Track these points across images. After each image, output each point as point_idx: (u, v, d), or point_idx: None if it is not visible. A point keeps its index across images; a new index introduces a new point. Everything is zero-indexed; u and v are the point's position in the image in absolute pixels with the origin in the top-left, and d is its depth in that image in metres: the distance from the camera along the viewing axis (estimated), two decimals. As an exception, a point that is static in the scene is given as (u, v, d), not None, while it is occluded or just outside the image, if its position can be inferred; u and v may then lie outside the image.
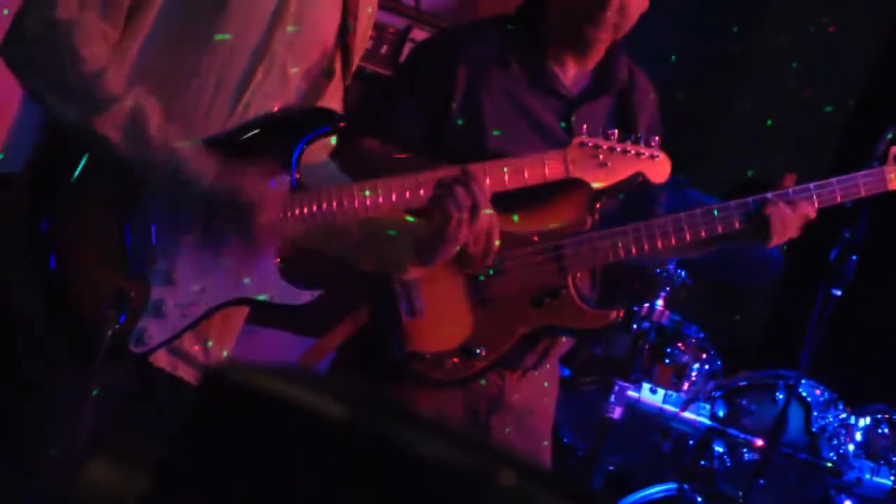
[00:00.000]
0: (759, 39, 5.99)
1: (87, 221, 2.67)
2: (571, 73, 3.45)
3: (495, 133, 3.30)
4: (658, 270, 4.39)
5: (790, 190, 3.44)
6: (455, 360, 3.33)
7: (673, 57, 5.50)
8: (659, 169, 3.14)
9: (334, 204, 2.80)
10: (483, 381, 3.41)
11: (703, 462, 4.71)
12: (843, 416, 4.72)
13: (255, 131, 2.77)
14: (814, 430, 4.70)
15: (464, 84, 3.33)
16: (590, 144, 3.03)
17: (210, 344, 2.85)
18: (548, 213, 3.37)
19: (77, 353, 2.65)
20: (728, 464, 4.70)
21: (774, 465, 4.47)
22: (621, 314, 3.45)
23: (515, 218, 3.33)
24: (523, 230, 3.34)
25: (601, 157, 3.04)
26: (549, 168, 3.02)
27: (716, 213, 3.40)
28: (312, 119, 2.85)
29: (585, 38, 3.39)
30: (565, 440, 4.76)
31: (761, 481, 4.40)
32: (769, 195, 3.42)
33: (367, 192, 2.82)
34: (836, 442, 4.70)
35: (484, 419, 3.45)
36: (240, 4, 2.73)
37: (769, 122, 5.64)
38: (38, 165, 2.71)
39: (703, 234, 3.39)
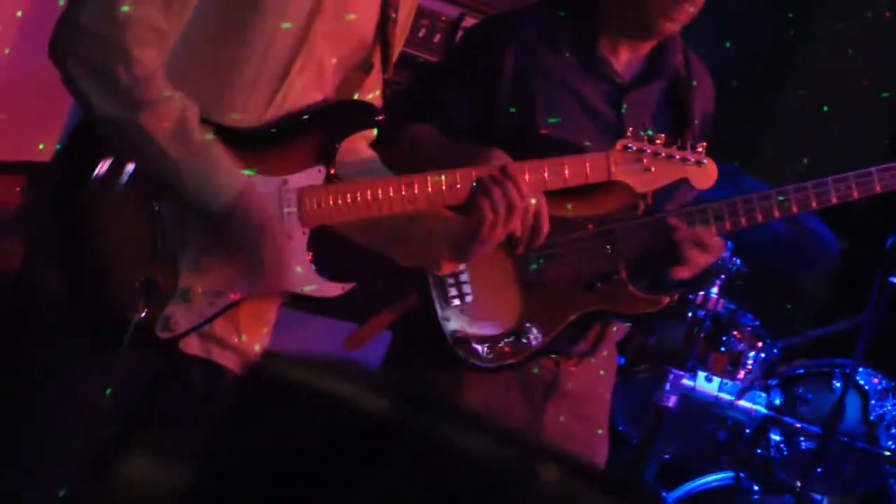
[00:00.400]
0: (815, 26, 5.95)
1: (118, 207, 2.67)
2: (624, 59, 3.43)
3: (551, 120, 3.29)
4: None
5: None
6: (505, 344, 3.33)
7: (728, 43, 5.47)
8: (704, 175, 3.09)
9: (369, 196, 2.78)
10: (535, 370, 3.41)
11: (759, 451, 4.68)
12: (902, 404, 4.68)
13: (292, 125, 2.77)
14: (872, 418, 4.66)
15: (512, 69, 3.32)
16: (633, 148, 2.99)
17: (244, 338, 2.85)
18: (600, 198, 3.35)
19: (104, 338, 2.65)
20: (785, 452, 4.67)
21: (832, 454, 4.44)
22: (674, 298, 3.43)
23: (569, 207, 3.32)
24: (575, 214, 3.33)
25: (645, 161, 2.99)
26: (591, 171, 2.98)
27: (773, 196, 3.37)
28: (349, 113, 2.85)
29: (655, 30, 3.37)
30: (620, 428, 4.74)
31: (819, 470, 4.37)
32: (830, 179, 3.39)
33: (404, 187, 2.81)
34: (894, 430, 4.67)
35: (539, 406, 3.45)
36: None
37: (825, 108, 5.60)
38: (71, 151, 2.71)
39: (760, 218, 3.37)
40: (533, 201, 3.10)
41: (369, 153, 2.96)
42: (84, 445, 2.71)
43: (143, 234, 2.68)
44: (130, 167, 2.67)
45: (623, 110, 3.39)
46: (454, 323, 3.30)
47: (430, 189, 2.82)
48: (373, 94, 2.92)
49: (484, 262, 3.26)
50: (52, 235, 2.67)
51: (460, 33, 4.63)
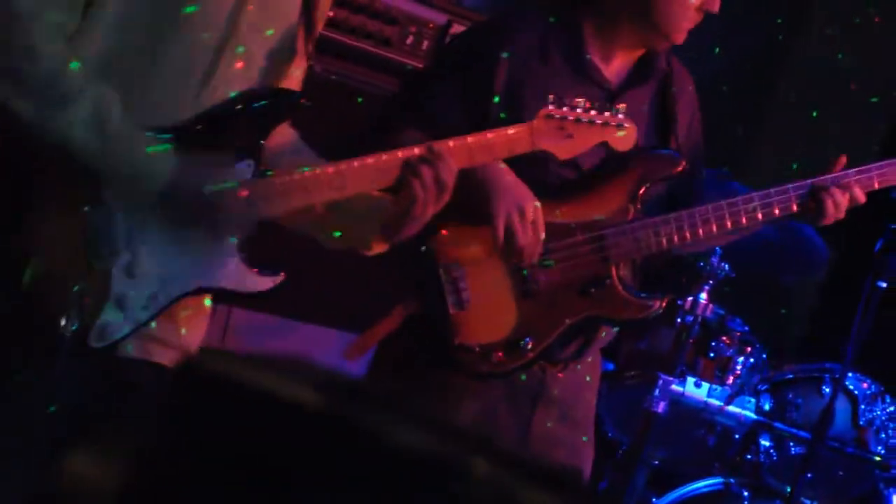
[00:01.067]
0: (805, 30, 5.95)
1: (45, 214, 2.63)
2: (615, 65, 3.45)
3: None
4: (701, 264, 4.35)
5: (839, 174, 3.47)
6: (502, 352, 3.34)
7: (717, 49, 5.47)
8: (625, 139, 3.12)
9: (299, 187, 2.77)
10: (523, 376, 3.41)
11: (749, 456, 4.68)
12: (891, 408, 4.68)
13: (216, 121, 2.74)
14: (861, 423, 4.66)
15: (505, 76, 3.32)
16: (556, 117, 3.00)
17: (184, 332, 2.84)
18: (591, 204, 3.38)
19: (38, 352, 2.62)
20: (775, 458, 4.67)
21: (822, 459, 4.43)
22: (664, 304, 3.44)
23: (558, 212, 3.33)
24: (566, 220, 3.34)
25: (567, 128, 3.01)
26: (515, 142, 2.99)
27: (756, 199, 3.45)
28: (273, 102, 2.81)
29: (667, 39, 3.40)
30: (609, 435, 4.74)
31: (809, 475, 4.36)
32: (818, 179, 3.46)
33: (333, 173, 2.79)
34: (884, 435, 4.67)
35: (527, 413, 3.46)
36: None
37: (815, 114, 5.60)
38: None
39: (745, 221, 3.43)
40: (530, 208, 3.13)
41: (291, 135, 2.95)
42: (27, 459, 2.68)
43: (73, 243, 2.64)
44: (58, 172, 2.62)
45: None
46: (452, 329, 3.31)
47: (359, 173, 2.81)
48: (293, 80, 2.89)
49: (480, 270, 3.31)
50: None
51: (448, 40, 4.63)
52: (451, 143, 2.88)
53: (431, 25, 4.70)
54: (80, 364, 2.66)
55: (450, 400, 3.39)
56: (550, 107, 2.99)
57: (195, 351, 2.87)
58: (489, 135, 2.94)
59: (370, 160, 2.81)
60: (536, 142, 2.98)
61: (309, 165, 2.82)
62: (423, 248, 3.30)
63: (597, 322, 3.44)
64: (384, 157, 2.83)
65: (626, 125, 3.09)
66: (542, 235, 3.21)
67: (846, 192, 3.46)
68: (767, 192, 3.46)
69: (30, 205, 2.62)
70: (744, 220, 3.43)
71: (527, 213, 3.22)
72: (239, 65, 2.76)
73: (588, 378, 3.57)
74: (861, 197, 3.47)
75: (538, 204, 3.23)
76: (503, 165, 3.25)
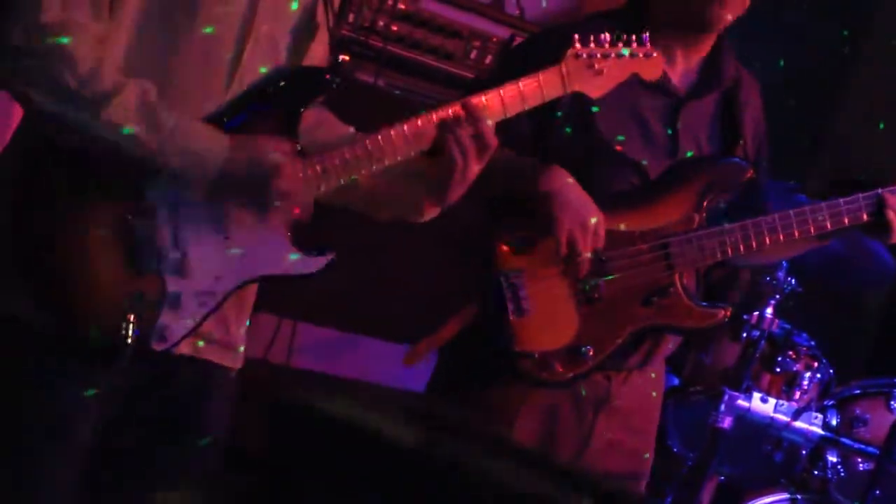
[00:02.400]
0: (870, 43, 5.90)
1: (89, 223, 2.62)
2: (679, 69, 3.45)
3: (619, 138, 3.28)
4: (767, 278, 4.33)
5: None
6: (563, 359, 3.33)
7: (781, 62, 5.43)
8: (653, 66, 3.09)
9: (338, 162, 2.75)
10: (583, 391, 3.40)
11: (816, 472, 4.63)
12: (961, 424, 4.61)
13: (248, 104, 2.74)
14: (930, 438, 4.59)
15: None
16: (584, 55, 2.96)
17: (231, 330, 2.85)
18: (656, 212, 3.38)
19: (101, 361, 2.62)
20: (842, 474, 4.62)
21: (890, 476, 4.38)
22: (727, 314, 3.42)
23: (622, 226, 3.33)
24: (631, 229, 3.34)
25: (596, 65, 2.97)
26: (546, 86, 2.93)
27: (825, 208, 3.43)
28: (303, 82, 2.81)
29: (708, 20, 3.38)
30: (675, 450, 4.70)
31: (877, 492, 4.31)
32: (881, 191, 3.44)
33: (370, 144, 2.77)
34: (953, 451, 4.60)
35: (591, 421, 3.45)
36: None
37: (881, 125, 5.55)
38: (26, 170, 2.65)
39: (813, 231, 3.41)
40: (593, 220, 3.13)
41: (322, 113, 2.93)
42: (73, 470, 2.71)
43: (120, 249, 2.64)
44: (97, 180, 2.62)
45: (678, 126, 3.41)
46: (513, 336, 3.30)
47: (396, 140, 2.78)
48: (318, 56, 2.88)
49: (541, 279, 3.30)
50: (19, 265, 2.63)
51: (508, 49, 4.63)
52: (483, 97, 2.84)
53: (495, 39, 4.70)
54: (140, 366, 2.67)
55: (512, 407, 3.39)
56: (577, 45, 2.96)
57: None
58: (521, 83, 2.90)
59: (406, 126, 2.78)
60: (568, 83, 2.95)
61: (345, 140, 2.81)
62: (484, 256, 3.30)
63: (660, 331, 3.43)
64: (419, 121, 2.80)
65: (653, 53, 3.07)
66: (601, 245, 3.23)
67: None
68: (836, 201, 3.44)
69: (74, 214, 2.62)
70: (812, 230, 3.41)
71: (589, 226, 3.23)
72: (262, 51, 2.76)
73: (654, 393, 3.56)
74: None
75: (595, 219, 3.24)
76: (569, 177, 3.26)
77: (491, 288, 3.29)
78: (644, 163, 3.39)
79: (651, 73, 3.08)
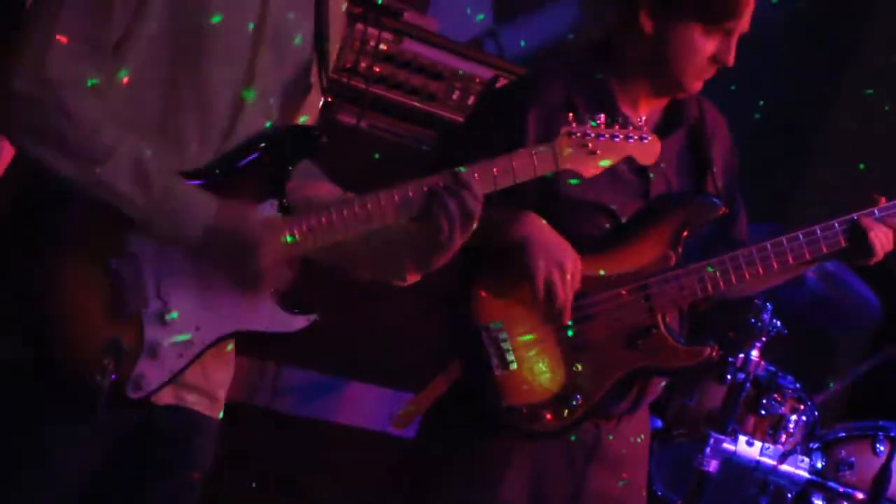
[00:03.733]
0: (848, 81, 5.92)
1: (72, 267, 2.62)
2: (643, 113, 3.42)
3: (571, 182, 3.27)
4: (752, 320, 4.31)
5: (877, 210, 3.46)
6: (552, 409, 3.30)
7: (761, 101, 5.44)
8: (648, 150, 3.05)
9: (324, 222, 2.74)
10: (573, 436, 3.37)
11: (801, 516, 4.61)
12: (949, 467, 4.59)
13: (236, 163, 2.74)
14: (918, 482, 4.58)
15: (534, 133, 3.30)
16: (577, 134, 2.93)
17: (210, 379, 2.83)
18: (632, 253, 3.36)
19: (74, 405, 2.59)
20: (828, 518, 4.60)
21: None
22: (714, 352, 3.40)
23: (602, 272, 3.31)
24: (608, 273, 3.33)
25: (590, 144, 2.94)
26: (539, 163, 2.90)
27: (801, 237, 3.41)
28: (294, 141, 2.81)
29: (686, 90, 3.40)
30: (659, 493, 4.68)
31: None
32: (856, 215, 3.43)
33: (357, 207, 2.76)
34: (942, 494, 4.58)
35: (581, 471, 3.42)
36: (222, 34, 2.70)
37: (861, 167, 5.55)
38: (15, 210, 2.65)
39: (791, 260, 3.41)
40: (569, 263, 3.13)
41: (311, 170, 2.92)
42: None
43: (101, 294, 2.63)
44: (83, 225, 2.62)
45: (648, 167, 3.38)
46: (500, 391, 3.27)
47: (383, 205, 2.77)
48: (311, 114, 2.90)
49: (523, 326, 3.27)
50: (5, 307, 2.62)
51: (479, 100, 4.61)
52: (474, 169, 2.83)
53: (478, 80, 4.68)
54: (117, 413, 2.65)
55: (499, 461, 3.36)
56: (572, 124, 2.94)
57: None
58: (513, 159, 2.88)
59: (395, 192, 2.78)
60: (561, 162, 2.92)
61: (333, 201, 2.80)
62: (461, 311, 3.28)
63: (648, 373, 3.40)
64: (409, 188, 2.79)
65: (647, 137, 3.03)
66: (577, 288, 3.20)
67: (890, 227, 3.44)
68: (812, 229, 3.43)
69: (56, 259, 2.61)
70: (790, 260, 3.41)
71: (566, 269, 3.21)
72: (259, 105, 2.76)
73: (641, 436, 3.53)
74: None
75: (576, 260, 3.22)
76: (543, 222, 3.24)
77: (473, 344, 3.26)
78: (613, 207, 3.38)
79: (646, 157, 3.05)
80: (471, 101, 4.65)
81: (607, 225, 3.38)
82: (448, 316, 3.35)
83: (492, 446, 3.35)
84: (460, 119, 4.58)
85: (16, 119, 2.59)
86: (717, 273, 3.36)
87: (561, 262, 3.22)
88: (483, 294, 3.29)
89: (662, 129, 3.44)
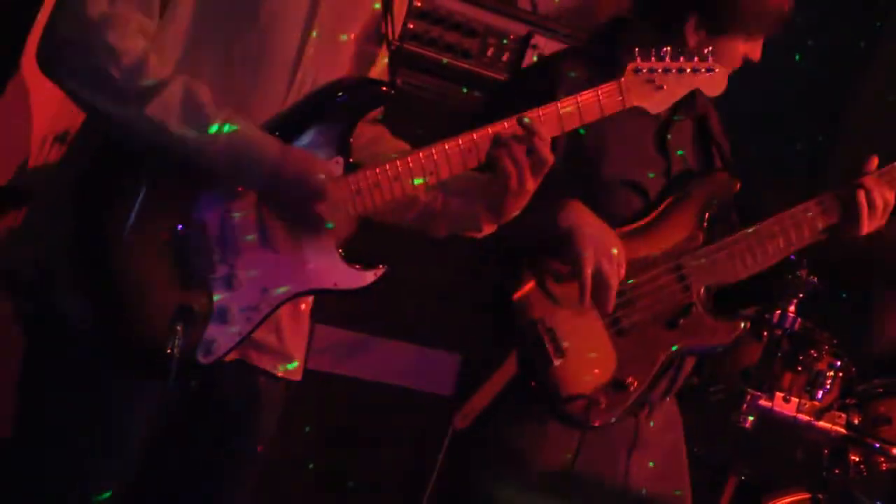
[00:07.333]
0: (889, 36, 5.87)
1: (140, 234, 2.62)
2: None
3: (608, 164, 3.26)
4: (789, 276, 4.30)
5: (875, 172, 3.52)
6: (608, 395, 3.33)
7: (798, 56, 5.41)
8: (716, 82, 3.03)
9: (391, 175, 2.73)
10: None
11: (838, 472, 4.60)
12: None
13: (303, 114, 2.72)
14: (956, 437, 4.57)
15: None
16: (644, 70, 2.91)
17: (285, 339, 2.84)
18: (664, 233, 3.40)
19: (146, 371, 2.61)
20: (864, 473, 4.58)
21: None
22: (748, 325, 3.46)
23: (637, 247, 3.35)
24: (646, 254, 3.36)
25: (657, 80, 2.92)
26: (605, 101, 2.88)
27: (812, 208, 3.49)
28: (361, 95, 2.78)
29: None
30: (695, 450, 4.67)
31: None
32: (856, 180, 3.50)
33: (424, 158, 2.74)
34: (978, 449, 4.57)
35: (625, 463, 3.47)
36: None
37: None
38: (81, 181, 2.65)
39: (807, 232, 3.49)
40: (615, 251, 3.13)
41: (376, 127, 2.93)
42: (126, 474, 2.72)
43: (171, 259, 2.64)
44: (149, 189, 2.62)
45: (669, 144, 3.45)
46: (558, 382, 3.28)
47: (450, 154, 2.75)
48: (382, 67, 2.88)
49: (572, 314, 3.29)
50: (75, 267, 2.62)
51: (529, 52, 4.59)
52: (539, 112, 2.81)
53: (512, 36, 4.66)
54: (185, 380, 2.67)
55: (543, 446, 3.39)
56: (638, 59, 2.91)
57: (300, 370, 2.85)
58: (579, 98, 2.86)
59: (460, 140, 2.76)
60: (627, 99, 2.90)
61: (398, 154, 2.78)
62: (513, 306, 3.27)
63: (690, 352, 3.44)
64: (474, 135, 2.77)
65: (716, 68, 3.00)
66: (623, 275, 3.24)
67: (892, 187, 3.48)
68: (820, 198, 3.49)
69: (123, 223, 2.61)
70: (806, 232, 3.48)
71: (613, 258, 3.22)
72: (325, 55, 2.74)
73: (676, 428, 3.61)
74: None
75: (621, 248, 3.25)
76: (587, 210, 3.24)
77: (530, 337, 3.27)
78: (643, 182, 3.41)
79: (713, 88, 3.03)
80: (505, 57, 4.63)
81: (637, 201, 3.41)
82: (498, 312, 3.35)
83: (535, 432, 3.37)
84: (495, 76, 4.57)
85: (62, 63, 2.58)
86: (744, 248, 3.43)
87: (608, 251, 3.23)
88: (532, 286, 3.30)
89: (676, 111, 3.47)
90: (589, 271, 3.20)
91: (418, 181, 2.73)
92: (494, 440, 3.33)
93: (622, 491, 3.42)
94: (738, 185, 3.45)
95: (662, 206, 3.41)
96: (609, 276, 3.20)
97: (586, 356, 3.30)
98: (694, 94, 3.43)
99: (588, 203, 3.27)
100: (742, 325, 3.44)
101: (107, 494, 2.68)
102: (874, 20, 5.73)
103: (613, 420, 3.33)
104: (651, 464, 3.46)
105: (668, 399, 3.51)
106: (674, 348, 3.37)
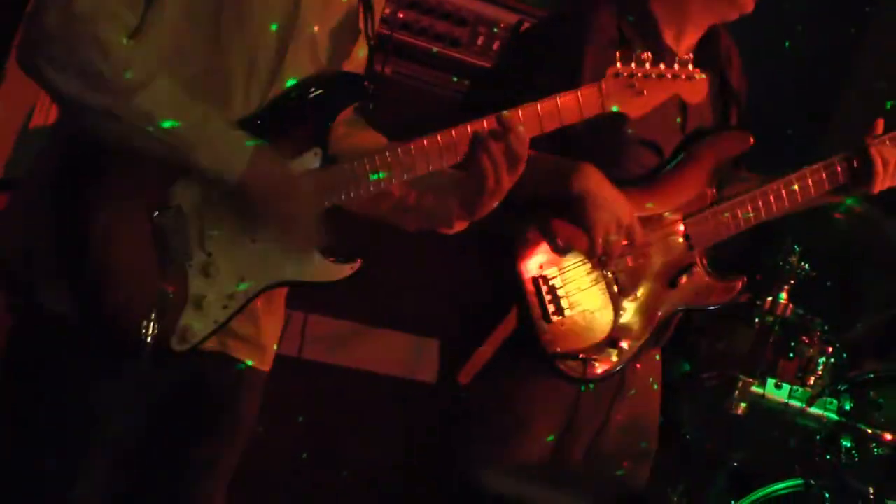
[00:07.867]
0: (876, 25, 5.87)
1: (117, 221, 2.61)
2: (685, 46, 3.47)
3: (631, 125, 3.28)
4: (781, 263, 4.31)
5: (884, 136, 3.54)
6: (602, 353, 3.36)
7: (787, 42, 5.41)
8: (696, 88, 3.04)
9: (368, 169, 2.72)
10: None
11: (830, 457, 4.61)
12: (978, 407, 4.60)
13: (281, 108, 2.72)
14: (947, 422, 4.58)
15: (591, 70, 3.26)
16: (625, 74, 2.91)
17: (262, 329, 2.84)
18: (673, 191, 3.41)
19: (120, 357, 2.61)
20: (856, 459, 4.59)
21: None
22: (745, 281, 3.48)
23: (650, 205, 3.37)
24: (656, 212, 3.38)
25: (636, 84, 2.92)
26: (584, 104, 2.88)
27: (822, 170, 3.50)
28: (340, 89, 2.79)
29: (731, 13, 3.44)
30: (688, 436, 4.69)
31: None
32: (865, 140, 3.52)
33: (402, 153, 2.74)
34: (970, 435, 4.58)
35: (607, 407, 3.49)
36: None
37: (888, 105, 5.51)
38: (62, 169, 2.64)
39: (813, 191, 3.48)
40: (626, 218, 3.17)
41: (358, 121, 2.93)
42: (107, 464, 2.71)
43: (146, 247, 2.63)
44: (127, 177, 2.61)
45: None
46: (554, 338, 3.30)
47: (428, 151, 2.75)
48: (359, 62, 2.88)
49: (574, 272, 3.32)
50: (53, 257, 2.61)
51: (514, 38, 4.58)
52: (519, 111, 2.80)
53: (502, 25, 4.65)
54: (163, 370, 2.66)
55: (537, 403, 3.40)
56: (618, 64, 2.92)
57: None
58: (559, 99, 2.85)
59: (438, 137, 2.75)
60: (607, 102, 2.89)
61: (376, 149, 2.78)
62: (516, 260, 3.29)
63: (687, 311, 3.48)
64: (453, 132, 2.77)
65: (696, 76, 3.02)
66: (640, 240, 3.28)
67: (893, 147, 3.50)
68: (828, 161, 3.52)
69: (100, 210, 2.61)
70: (812, 190, 3.49)
71: (623, 226, 3.25)
72: (304, 52, 2.74)
73: (651, 379, 3.60)
74: None
75: (632, 214, 3.27)
76: (601, 175, 3.26)
77: (530, 292, 3.29)
78: (658, 141, 3.42)
79: (694, 95, 3.04)
80: (495, 46, 4.63)
81: (652, 159, 3.43)
82: (500, 265, 3.36)
83: (530, 390, 3.38)
84: (485, 65, 4.56)
85: (51, 55, 2.56)
86: (749, 208, 3.44)
87: (620, 218, 3.26)
88: (537, 243, 3.31)
89: (700, 61, 3.43)
90: (600, 239, 3.23)
91: (383, 174, 2.72)
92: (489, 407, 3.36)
93: (599, 434, 3.47)
94: (752, 141, 3.44)
95: (674, 164, 3.43)
96: (615, 245, 3.24)
97: (585, 314, 3.32)
98: (718, 38, 3.51)
99: (604, 159, 3.29)
100: (738, 284, 3.47)
101: (87, 488, 2.68)
102: (863, 6, 5.73)
103: (601, 378, 3.37)
104: (633, 391, 3.48)
105: (658, 346, 3.54)
106: (673, 306, 3.41)
